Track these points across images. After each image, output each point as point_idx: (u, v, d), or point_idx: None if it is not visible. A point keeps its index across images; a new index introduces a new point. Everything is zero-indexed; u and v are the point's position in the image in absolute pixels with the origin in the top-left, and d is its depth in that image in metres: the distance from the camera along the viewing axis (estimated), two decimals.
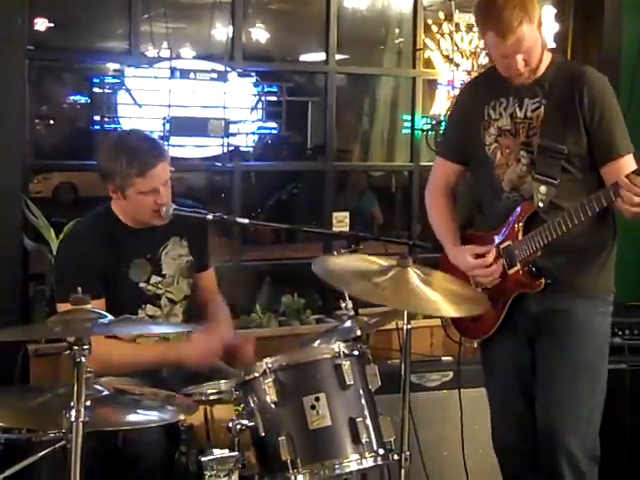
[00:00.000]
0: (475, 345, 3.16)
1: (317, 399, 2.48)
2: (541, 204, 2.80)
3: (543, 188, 2.79)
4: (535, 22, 2.71)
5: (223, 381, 2.81)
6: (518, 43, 2.69)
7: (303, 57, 7.07)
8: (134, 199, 3.00)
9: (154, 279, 3.11)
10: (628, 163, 2.71)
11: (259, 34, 6.59)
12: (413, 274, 2.55)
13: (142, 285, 3.09)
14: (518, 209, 2.86)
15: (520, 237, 2.84)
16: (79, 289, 2.18)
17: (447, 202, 3.12)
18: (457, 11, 4.45)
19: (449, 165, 3.11)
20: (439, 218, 3.11)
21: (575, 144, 2.78)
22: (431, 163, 4.63)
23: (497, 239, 2.92)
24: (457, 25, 4.45)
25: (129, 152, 2.97)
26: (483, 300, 2.76)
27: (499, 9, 2.68)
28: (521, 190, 2.87)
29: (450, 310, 2.57)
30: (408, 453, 2.54)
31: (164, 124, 3.94)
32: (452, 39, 4.47)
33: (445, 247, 3.07)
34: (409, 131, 4.81)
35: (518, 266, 2.86)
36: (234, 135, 4.13)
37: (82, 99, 6.52)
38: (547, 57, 2.86)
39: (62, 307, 2.88)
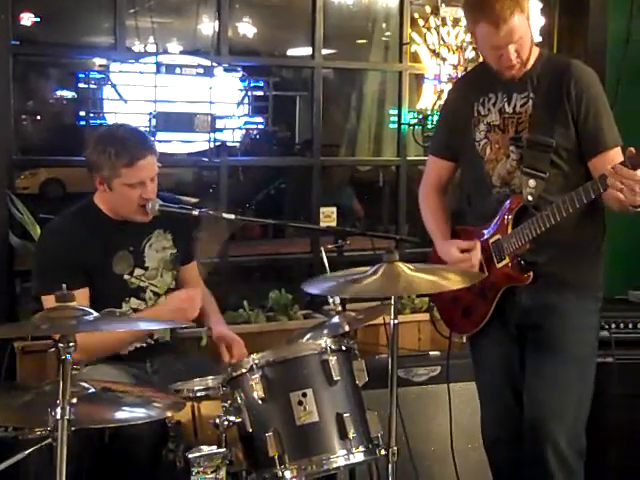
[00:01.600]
0: (464, 340, 3.16)
1: (304, 395, 2.48)
2: (530, 198, 2.81)
3: (532, 182, 2.80)
4: (525, 13, 2.73)
5: (210, 377, 2.81)
6: (511, 33, 2.70)
7: (290, 52, 7.06)
8: (120, 191, 2.99)
9: (137, 272, 3.10)
10: (615, 156, 2.71)
11: (245, 29, 6.58)
12: (402, 267, 2.56)
13: (126, 277, 3.08)
14: (507, 203, 2.86)
15: (509, 230, 2.85)
16: (64, 285, 2.17)
17: (439, 199, 3.14)
18: (443, 5, 4.44)
19: (440, 162, 3.12)
20: (431, 215, 3.13)
21: (563, 137, 2.79)
22: (418, 158, 4.70)
23: (487, 233, 2.93)
24: (443, 19, 4.45)
25: (118, 143, 2.97)
26: (475, 274, 2.83)
27: (491, 1, 2.69)
28: (511, 185, 2.87)
29: (455, 282, 2.60)
30: (396, 448, 2.53)
31: (150, 119, 3.92)
32: (438, 33, 4.47)
33: (435, 242, 3.09)
34: (396, 125, 4.81)
35: (507, 259, 2.87)
36: (221, 130, 4.11)
37: (68, 94, 6.49)
38: (535, 51, 2.87)
39: (45, 299, 2.88)
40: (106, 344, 2.92)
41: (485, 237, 2.93)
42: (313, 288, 2.70)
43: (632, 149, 2.51)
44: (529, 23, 2.77)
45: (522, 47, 2.76)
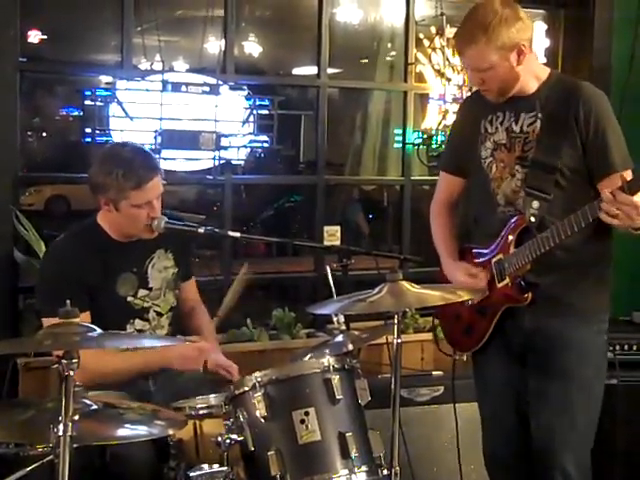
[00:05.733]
0: (465, 358, 3.15)
1: (307, 413, 2.47)
2: (533, 219, 2.79)
3: (535, 203, 2.78)
4: (496, 44, 2.68)
5: (213, 395, 2.80)
6: (467, 61, 2.77)
7: (295, 71, 7.09)
8: (127, 212, 2.99)
9: (141, 292, 3.10)
10: (626, 178, 2.69)
11: (251, 47, 6.61)
12: (406, 285, 2.56)
13: (130, 299, 3.07)
14: (511, 222, 2.85)
15: (511, 250, 2.83)
16: (67, 302, 2.17)
17: (449, 216, 3.14)
18: (448, 26, 4.46)
19: (451, 178, 3.13)
20: (440, 232, 3.13)
21: (570, 159, 2.77)
22: (422, 177, 4.71)
23: (489, 252, 2.92)
24: (448, 40, 4.46)
25: (124, 165, 2.95)
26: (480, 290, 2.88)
27: (463, 24, 2.76)
28: (516, 205, 2.86)
29: (462, 295, 2.66)
30: (398, 468, 2.52)
31: (156, 137, 3.93)
32: (443, 53, 4.49)
33: (441, 259, 3.08)
34: (401, 145, 4.82)
35: (507, 279, 2.86)
36: (225, 148, 4.13)
37: (74, 112, 6.53)
38: (544, 72, 2.86)
39: (47, 322, 2.84)
40: (108, 366, 2.90)
41: (488, 256, 2.93)
42: (319, 310, 2.70)
43: (624, 176, 2.50)
44: (510, 57, 2.70)
45: (490, 78, 2.75)
